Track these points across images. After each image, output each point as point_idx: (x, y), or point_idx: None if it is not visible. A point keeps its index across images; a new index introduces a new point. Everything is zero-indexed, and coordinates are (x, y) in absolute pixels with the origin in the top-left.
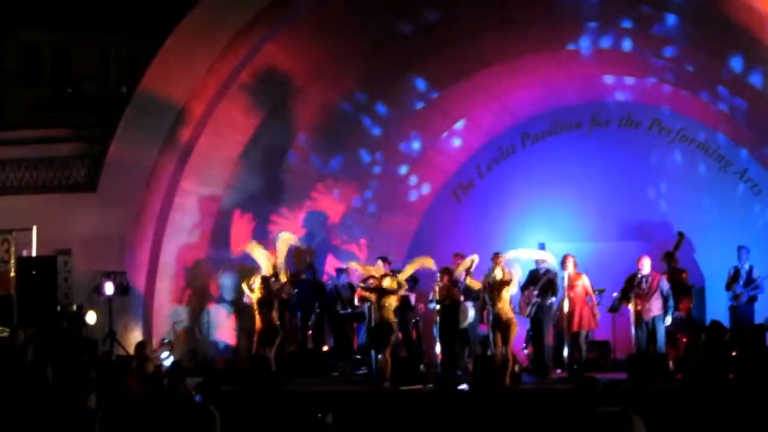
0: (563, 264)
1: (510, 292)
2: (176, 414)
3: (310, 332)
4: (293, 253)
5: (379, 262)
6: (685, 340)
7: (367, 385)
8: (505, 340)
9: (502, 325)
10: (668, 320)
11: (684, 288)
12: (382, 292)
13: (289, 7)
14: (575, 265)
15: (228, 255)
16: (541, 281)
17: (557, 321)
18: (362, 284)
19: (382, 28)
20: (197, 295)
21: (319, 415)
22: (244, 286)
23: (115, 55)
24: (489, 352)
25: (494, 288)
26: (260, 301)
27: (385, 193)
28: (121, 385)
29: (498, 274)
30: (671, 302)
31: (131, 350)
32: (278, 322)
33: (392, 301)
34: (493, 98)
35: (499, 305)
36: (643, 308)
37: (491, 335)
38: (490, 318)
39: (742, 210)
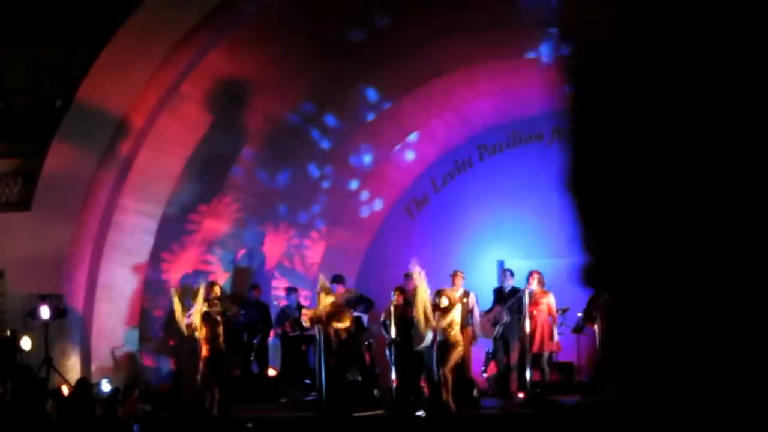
0: (528, 280)
1: (455, 314)
2: None
3: (253, 356)
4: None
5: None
6: None
7: (317, 411)
8: (445, 361)
9: (444, 346)
10: None
11: None
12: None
13: (233, 14)
14: (540, 282)
15: (167, 276)
16: (510, 300)
17: (521, 341)
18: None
19: (330, 35)
20: (137, 319)
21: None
22: (182, 324)
23: (48, 65)
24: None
25: (442, 308)
26: (206, 337)
27: (334, 209)
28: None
29: (450, 296)
30: None
31: (69, 375)
32: (224, 349)
33: (345, 323)
34: (448, 109)
35: (444, 326)
36: None
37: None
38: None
39: None
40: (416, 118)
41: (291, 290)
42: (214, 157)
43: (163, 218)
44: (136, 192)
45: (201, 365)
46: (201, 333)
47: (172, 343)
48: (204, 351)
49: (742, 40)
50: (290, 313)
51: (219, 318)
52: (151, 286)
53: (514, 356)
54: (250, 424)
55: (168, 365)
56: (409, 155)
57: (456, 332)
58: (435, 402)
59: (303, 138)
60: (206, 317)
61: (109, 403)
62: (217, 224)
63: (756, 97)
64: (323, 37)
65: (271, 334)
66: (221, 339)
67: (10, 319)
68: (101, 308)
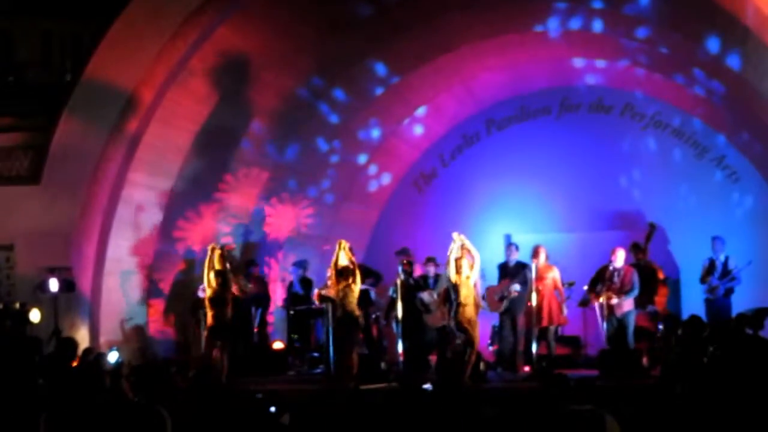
0: (534, 255)
1: (473, 279)
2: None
3: (257, 329)
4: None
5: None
6: (659, 335)
7: (325, 383)
8: (471, 336)
9: (466, 320)
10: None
11: (657, 281)
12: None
13: None
14: (546, 256)
15: (176, 250)
16: (517, 274)
17: (526, 316)
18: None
19: (339, 9)
20: (145, 292)
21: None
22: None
23: (59, 40)
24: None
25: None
26: (213, 298)
27: (343, 183)
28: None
29: (465, 266)
30: (635, 292)
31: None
32: (230, 319)
33: (354, 296)
34: (456, 83)
35: (463, 297)
36: (615, 303)
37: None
38: (453, 313)
39: (719, 199)
40: (424, 92)
41: (300, 264)
42: (223, 131)
43: (171, 192)
44: (145, 166)
45: (206, 336)
46: (209, 292)
47: (178, 315)
48: (209, 319)
49: None
50: (297, 287)
51: (233, 285)
52: (160, 260)
53: (521, 331)
54: (260, 395)
55: (176, 337)
56: (418, 130)
57: (471, 306)
58: (447, 377)
59: (312, 112)
60: (219, 279)
61: (114, 374)
62: (226, 198)
63: None
64: (332, 12)
65: (271, 307)
66: (229, 310)
67: (19, 291)
68: (110, 281)
